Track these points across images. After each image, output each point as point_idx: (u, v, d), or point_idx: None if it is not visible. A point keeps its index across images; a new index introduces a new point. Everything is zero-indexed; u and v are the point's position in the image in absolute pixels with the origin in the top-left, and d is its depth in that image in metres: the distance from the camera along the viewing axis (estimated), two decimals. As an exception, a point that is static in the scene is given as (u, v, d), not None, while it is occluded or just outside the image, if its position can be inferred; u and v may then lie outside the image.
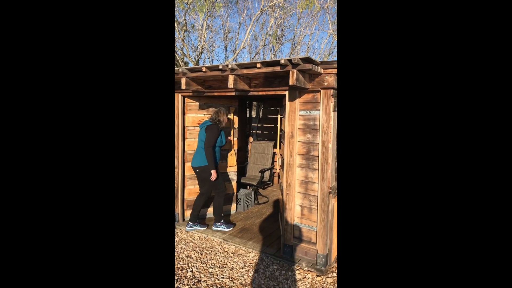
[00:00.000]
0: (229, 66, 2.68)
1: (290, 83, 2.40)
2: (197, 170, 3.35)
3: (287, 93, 2.81)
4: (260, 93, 2.99)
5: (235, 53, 8.90)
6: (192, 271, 2.66)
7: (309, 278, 2.60)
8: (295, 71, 2.37)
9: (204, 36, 8.25)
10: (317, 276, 2.63)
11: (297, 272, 2.68)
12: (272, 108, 5.96)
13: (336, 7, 8.25)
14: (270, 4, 7.92)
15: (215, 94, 3.34)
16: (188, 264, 2.79)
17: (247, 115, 6.04)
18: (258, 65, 2.53)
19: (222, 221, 3.52)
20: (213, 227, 3.53)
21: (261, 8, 7.92)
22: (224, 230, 3.50)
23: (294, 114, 2.80)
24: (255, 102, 6.28)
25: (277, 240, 3.27)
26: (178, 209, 3.75)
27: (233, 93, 3.17)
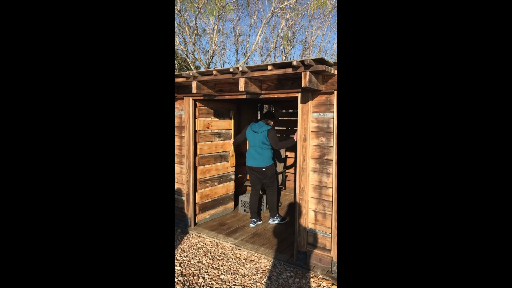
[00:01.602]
0: (240, 69, 2.64)
1: (303, 85, 2.33)
2: (263, 169, 3.64)
3: (299, 95, 2.74)
4: (272, 96, 2.93)
5: (246, 56, 8.89)
6: (203, 278, 2.61)
7: (324, 286, 2.51)
8: (307, 72, 2.30)
9: (215, 40, 8.27)
10: (333, 284, 2.53)
11: (311, 280, 2.60)
12: (284, 111, 5.88)
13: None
14: (281, 6, 7.88)
15: (226, 97, 3.30)
16: (199, 270, 2.74)
17: (259, 117, 5.99)
18: (270, 67, 2.47)
19: (277, 215, 3.85)
20: (269, 221, 3.87)
21: (272, 10, 7.88)
22: (281, 223, 3.83)
23: (307, 116, 2.72)
24: (266, 104, 6.23)
25: (290, 246, 3.18)
26: (189, 213, 3.72)
27: (244, 96, 3.13)
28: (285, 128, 5.86)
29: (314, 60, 2.25)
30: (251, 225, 3.77)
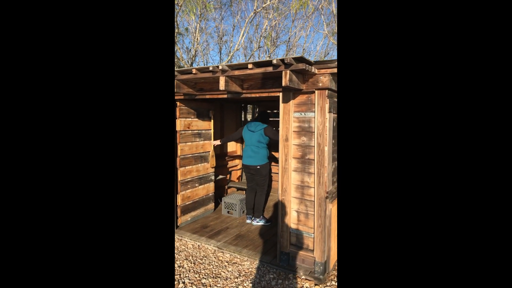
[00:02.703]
0: (220, 67, 2.58)
1: (283, 84, 2.30)
2: (258, 167, 3.66)
3: (280, 94, 2.71)
4: (253, 95, 2.89)
5: (229, 55, 8.81)
6: (184, 283, 2.53)
7: (307, 287, 2.48)
8: (288, 71, 2.27)
9: (198, 39, 8.16)
10: (315, 285, 2.52)
11: (294, 281, 2.57)
12: (269, 111, 5.86)
13: (330, 8, 8.21)
14: (263, 6, 7.86)
15: (207, 96, 3.23)
16: (180, 275, 2.66)
17: (242, 118, 5.93)
18: (250, 66, 2.43)
19: (261, 216, 3.80)
20: (253, 222, 3.81)
21: (254, 10, 7.85)
22: (264, 224, 3.78)
23: (288, 116, 2.70)
24: (249, 104, 6.18)
25: (274, 247, 3.15)
26: (171, 216, 3.62)
27: (225, 96, 3.07)
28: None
29: (295, 58, 2.22)
30: (247, 221, 3.86)
